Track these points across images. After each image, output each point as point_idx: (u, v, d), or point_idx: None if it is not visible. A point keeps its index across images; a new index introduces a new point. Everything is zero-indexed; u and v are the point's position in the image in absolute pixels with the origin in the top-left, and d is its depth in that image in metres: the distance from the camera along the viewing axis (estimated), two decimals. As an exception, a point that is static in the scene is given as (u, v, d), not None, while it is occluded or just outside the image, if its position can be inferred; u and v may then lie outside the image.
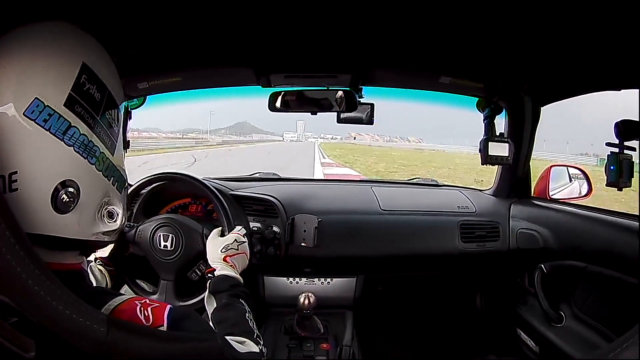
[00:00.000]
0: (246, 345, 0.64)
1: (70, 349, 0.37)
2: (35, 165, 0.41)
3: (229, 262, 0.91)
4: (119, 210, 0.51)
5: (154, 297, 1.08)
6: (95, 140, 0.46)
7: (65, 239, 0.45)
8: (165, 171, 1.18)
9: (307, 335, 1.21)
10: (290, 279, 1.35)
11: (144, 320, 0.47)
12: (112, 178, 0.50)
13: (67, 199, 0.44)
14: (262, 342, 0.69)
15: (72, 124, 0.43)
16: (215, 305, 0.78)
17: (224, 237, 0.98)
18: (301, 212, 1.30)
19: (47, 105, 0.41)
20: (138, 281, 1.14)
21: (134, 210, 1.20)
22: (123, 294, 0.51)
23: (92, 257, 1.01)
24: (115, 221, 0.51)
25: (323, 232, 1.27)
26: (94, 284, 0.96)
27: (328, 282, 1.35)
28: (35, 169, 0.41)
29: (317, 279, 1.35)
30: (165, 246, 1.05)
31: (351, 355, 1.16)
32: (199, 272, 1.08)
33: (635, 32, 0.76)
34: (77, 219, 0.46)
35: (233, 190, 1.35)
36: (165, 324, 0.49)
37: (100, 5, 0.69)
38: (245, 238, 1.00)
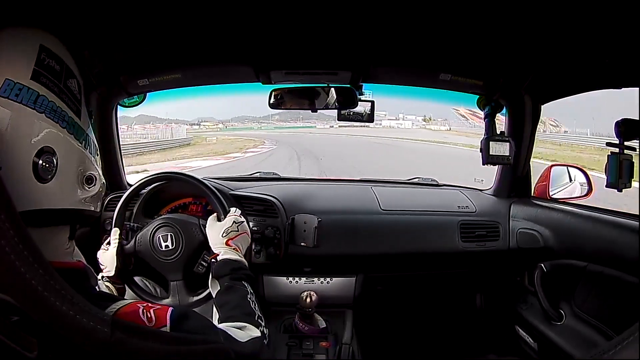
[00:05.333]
0: (246, 331, 0.65)
1: (74, 348, 0.37)
2: (13, 139, 0.44)
3: (231, 246, 0.91)
4: (95, 174, 0.54)
5: (167, 301, 1.06)
6: (63, 106, 0.50)
7: (52, 211, 0.47)
8: (164, 171, 1.18)
9: (309, 332, 1.21)
10: (290, 279, 1.34)
11: (146, 322, 0.47)
12: (84, 142, 0.54)
13: (47, 165, 0.46)
14: (263, 323, 0.70)
15: (41, 94, 0.47)
16: (218, 289, 0.80)
17: (222, 222, 0.98)
18: (301, 212, 1.30)
19: (17, 82, 0.45)
20: (147, 288, 1.13)
21: (134, 211, 1.19)
22: (125, 299, 0.51)
23: (99, 276, 1.00)
24: (95, 185, 0.54)
25: (323, 231, 1.27)
26: None
27: (328, 281, 1.35)
28: (14, 142, 0.44)
29: (316, 278, 1.35)
30: (166, 246, 1.04)
31: (350, 354, 1.16)
32: (204, 264, 1.07)
33: (635, 31, 0.76)
34: (60, 186, 0.48)
35: (233, 190, 1.34)
36: (168, 325, 0.49)
37: (103, 4, 0.69)
38: (242, 217, 0.99)
